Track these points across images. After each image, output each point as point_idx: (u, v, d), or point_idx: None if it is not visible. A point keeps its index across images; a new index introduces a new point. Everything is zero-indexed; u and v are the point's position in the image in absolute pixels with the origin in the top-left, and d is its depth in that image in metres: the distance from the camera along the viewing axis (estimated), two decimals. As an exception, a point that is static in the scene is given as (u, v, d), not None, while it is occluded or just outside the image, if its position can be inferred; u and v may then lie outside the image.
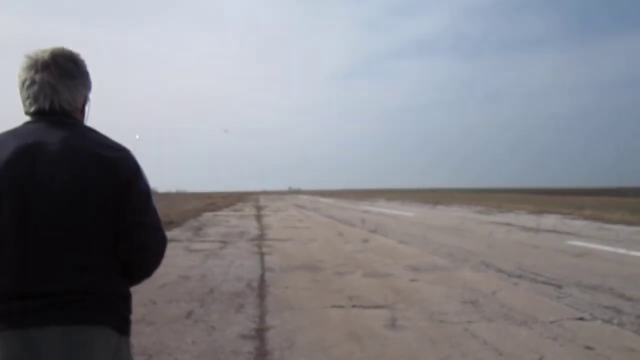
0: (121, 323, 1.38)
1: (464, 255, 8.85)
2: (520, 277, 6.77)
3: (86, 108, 1.51)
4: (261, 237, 12.11)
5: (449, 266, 7.76)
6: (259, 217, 19.81)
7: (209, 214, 21.28)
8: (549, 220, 17.61)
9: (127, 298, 1.43)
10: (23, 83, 1.40)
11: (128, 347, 1.42)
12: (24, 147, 1.31)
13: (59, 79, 1.39)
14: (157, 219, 1.46)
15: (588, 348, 3.82)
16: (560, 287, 6.07)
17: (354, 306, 5.21)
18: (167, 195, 57.71)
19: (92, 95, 1.53)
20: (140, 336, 4.15)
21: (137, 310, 4.94)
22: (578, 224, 16.49)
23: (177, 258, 8.39)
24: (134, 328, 5.09)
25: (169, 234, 6.84)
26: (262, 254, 9.14)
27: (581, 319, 4.66)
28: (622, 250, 9.59)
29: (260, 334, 4.31)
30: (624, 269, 7.40)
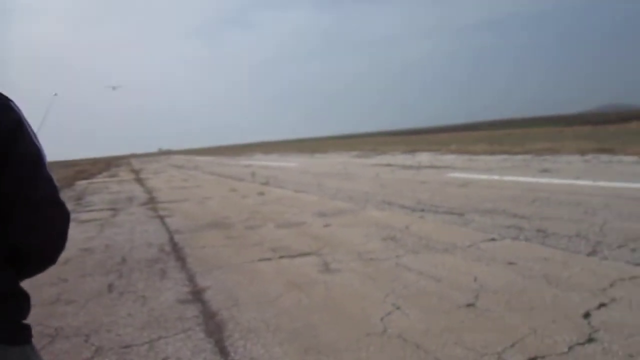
0: (7, 331, 1.02)
1: (363, 197, 9.19)
2: (423, 210, 7.22)
3: None
4: (153, 201, 11.51)
5: (354, 208, 8.01)
6: (140, 181, 18.75)
7: (83, 182, 19.66)
8: (424, 158, 18.90)
9: (15, 297, 1.06)
10: None
11: (27, 357, 1.05)
12: None
13: None
14: (51, 190, 1.13)
15: (511, 263, 4.21)
16: (462, 214, 6.57)
17: (281, 257, 5.19)
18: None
19: None
20: (65, 318, 3.77)
21: (48, 290, 4.51)
22: (449, 158, 17.91)
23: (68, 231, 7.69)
24: (53, 310, 4.57)
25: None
26: (161, 217, 8.70)
27: (493, 239, 5.10)
28: (496, 177, 10.63)
29: (197, 296, 4.12)
30: (505, 192, 8.20)
